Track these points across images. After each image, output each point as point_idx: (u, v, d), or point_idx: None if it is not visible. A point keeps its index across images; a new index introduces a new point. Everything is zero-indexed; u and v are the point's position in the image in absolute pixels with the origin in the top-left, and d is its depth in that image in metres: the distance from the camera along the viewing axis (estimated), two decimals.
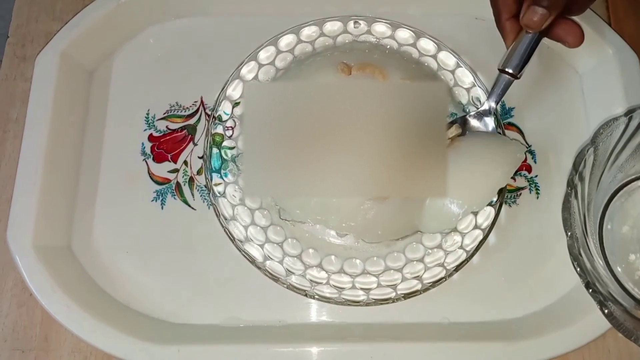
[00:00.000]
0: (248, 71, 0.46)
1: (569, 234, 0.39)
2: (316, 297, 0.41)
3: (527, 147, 0.47)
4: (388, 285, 0.42)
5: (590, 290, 0.38)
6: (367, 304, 0.41)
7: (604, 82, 0.47)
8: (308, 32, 0.47)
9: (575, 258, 0.38)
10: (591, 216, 0.42)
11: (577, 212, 0.40)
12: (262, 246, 0.43)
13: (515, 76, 0.40)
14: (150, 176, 0.47)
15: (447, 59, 0.47)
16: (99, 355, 0.42)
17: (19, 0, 0.51)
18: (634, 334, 0.37)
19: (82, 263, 0.44)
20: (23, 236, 0.42)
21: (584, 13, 0.47)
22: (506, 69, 0.40)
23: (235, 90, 0.46)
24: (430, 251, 0.43)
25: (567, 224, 0.40)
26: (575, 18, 0.47)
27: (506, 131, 0.47)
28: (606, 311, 0.37)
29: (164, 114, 0.48)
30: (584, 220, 0.41)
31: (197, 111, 0.48)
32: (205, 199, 0.46)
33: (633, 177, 0.45)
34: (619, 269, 0.43)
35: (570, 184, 0.40)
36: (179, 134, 0.48)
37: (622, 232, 0.44)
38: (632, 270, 0.43)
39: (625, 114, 0.41)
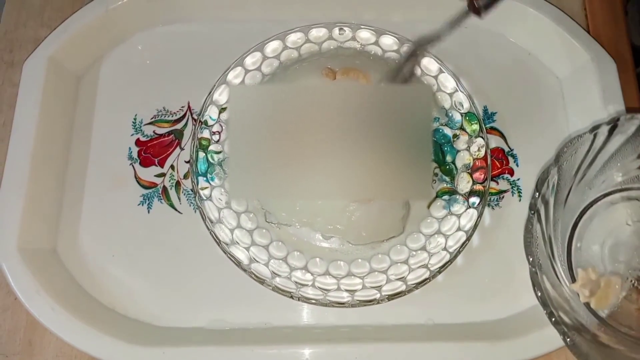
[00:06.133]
0: (234, 76, 0.47)
1: (531, 259, 0.38)
2: (301, 298, 0.42)
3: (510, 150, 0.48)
4: (373, 287, 0.42)
5: (553, 320, 0.36)
6: (352, 306, 0.42)
7: (582, 87, 0.47)
8: (294, 38, 0.48)
9: (537, 286, 0.37)
10: (558, 237, 0.40)
11: (541, 235, 0.38)
12: (247, 249, 0.43)
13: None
14: (137, 180, 0.47)
15: (430, 64, 0.47)
16: (83, 358, 0.42)
17: (7, 6, 0.51)
18: None
19: (67, 266, 0.44)
20: (8, 239, 0.41)
21: (562, 19, 0.48)
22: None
23: (221, 95, 0.46)
24: (414, 253, 0.43)
25: (529, 249, 0.38)
26: (553, 23, 0.48)
27: (489, 135, 0.48)
28: (569, 341, 0.36)
29: (152, 118, 0.48)
30: (549, 242, 0.39)
31: (184, 116, 0.49)
32: (192, 202, 0.46)
33: (603, 193, 0.43)
34: None
35: (533, 207, 0.39)
36: (166, 138, 0.48)
37: (593, 251, 0.42)
38: None
39: (590, 131, 0.40)
